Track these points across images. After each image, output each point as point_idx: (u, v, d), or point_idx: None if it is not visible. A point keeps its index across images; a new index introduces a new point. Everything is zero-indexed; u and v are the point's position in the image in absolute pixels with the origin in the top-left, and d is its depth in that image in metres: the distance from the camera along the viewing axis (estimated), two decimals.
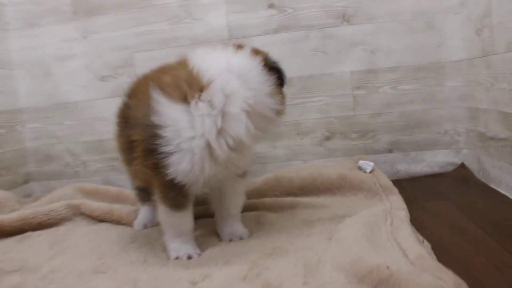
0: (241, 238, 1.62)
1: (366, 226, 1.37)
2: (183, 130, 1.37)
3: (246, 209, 1.87)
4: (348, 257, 1.16)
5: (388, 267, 1.04)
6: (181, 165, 1.38)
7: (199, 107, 1.35)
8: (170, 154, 1.38)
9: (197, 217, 1.85)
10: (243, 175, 1.62)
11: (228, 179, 1.59)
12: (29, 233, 1.96)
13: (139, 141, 1.46)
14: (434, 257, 1.24)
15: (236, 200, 1.66)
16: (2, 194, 2.20)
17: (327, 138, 2.41)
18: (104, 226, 1.97)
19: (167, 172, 1.40)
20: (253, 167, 2.43)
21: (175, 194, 1.44)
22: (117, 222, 1.98)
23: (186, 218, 1.52)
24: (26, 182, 2.68)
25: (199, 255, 1.53)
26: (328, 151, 2.42)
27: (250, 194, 2.05)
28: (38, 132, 2.67)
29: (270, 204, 1.89)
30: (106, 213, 2.02)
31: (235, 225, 1.66)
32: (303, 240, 1.48)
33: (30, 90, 2.65)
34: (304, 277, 1.18)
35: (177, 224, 1.53)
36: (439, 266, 1.08)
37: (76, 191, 2.36)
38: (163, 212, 1.51)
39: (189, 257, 1.51)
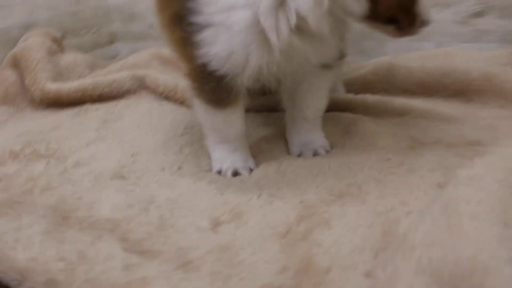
0: (315, 154, 1.15)
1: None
2: None
3: (338, 107, 1.37)
4: (460, 247, 0.63)
5: None
6: (215, 47, 0.92)
7: None
8: (201, 27, 0.92)
9: (263, 109, 1.43)
10: (327, 66, 1.08)
11: (302, 72, 1.07)
12: (87, 106, 1.72)
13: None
14: None
15: (315, 101, 1.16)
16: (71, 58, 1.95)
17: (478, 14, 1.66)
18: (164, 106, 1.63)
19: (197, 53, 0.94)
20: (366, 43, 1.83)
21: (212, 86, 1.00)
22: (181, 102, 1.61)
23: (233, 119, 1.09)
24: (111, 42, 2.42)
25: (251, 170, 1.11)
26: (476, 33, 1.69)
27: (350, 85, 1.52)
28: None
29: (373, 105, 1.35)
30: (170, 90, 1.67)
31: (310, 133, 1.18)
32: (398, 179, 0.96)
33: None
34: (367, 263, 0.70)
35: (220, 126, 1.11)
36: None
37: (153, 58, 2.02)
38: (200, 109, 1.09)
39: (235, 173, 1.11)
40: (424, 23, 0.89)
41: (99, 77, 1.79)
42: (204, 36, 0.93)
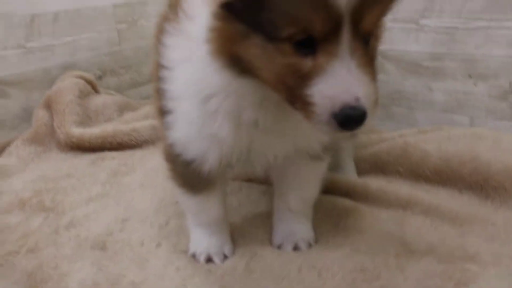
0: (295, 248, 1.09)
1: None
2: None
3: (338, 190, 1.29)
4: None
5: None
6: (175, 132, 0.92)
7: None
8: (166, 110, 0.92)
9: (258, 181, 1.38)
10: (317, 156, 1.00)
11: (290, 160, 1.01)
12: (106, 153, 1.77)
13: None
14: None
15: (301, 192, 1.09)
16: (101, 101, 2.01)
17: None
18: None
19: (166, 134, 0.94)
20: (395, 109, 1.73)
21: (181, 170, 0.99)
22: None
23: (207, 204, 1.06)
24: (149, 81, 2.46)
25: (225, 258, 1.08)
26: None
27: (362, 162, 1.44)
28: None
29: (375, 193, 1.26)
30: None
31: (294, 223, 1.11)
32: None
33: None
34: None
35: (195, 210, 1.09)
36: None
37: None
38: (177, 191, 1.06)
39: (209, 259, 1.07)
40: (338, 117, 0.68)
41: (120, 125, 1.83)
42: (168, 119, 0.92)
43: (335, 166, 1.36)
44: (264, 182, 1.39)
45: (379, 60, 1.71)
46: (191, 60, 0.83)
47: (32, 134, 1.87)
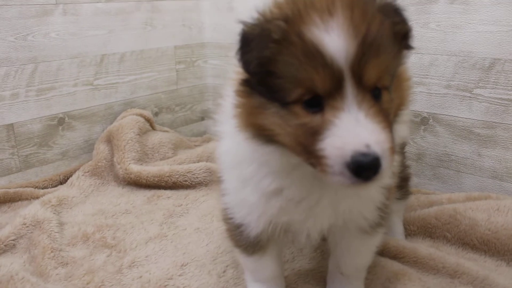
0: None
1: None
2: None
3: (388, 253, 1.34)
4: None
5: None
6: (227, 197, 1.02)
7: None
8: (221, 178, 1.04)
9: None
10: (367, 230, 1.05)
11: (340, 232, 1.08)
12: (161, 192, 1.87)
13: None
14: None
15: (353, 260, 1.14)
16: (158, 139, 2.13)
17: None
18: None
19: (221, 199, 1.05)
20: (442, 171, 1.77)
21: (235, 232, 1.06)
22: None
23: (262, 264, 1.12)
24: (202, 119, 2.59)
25: None
26: None
27: (410, 224, 1.50)
28: (219, 69, 2.48)
29: (424, 259, 1.30)
30: None
31: (345, 286, 1.17)
32: None
33: (214, 24, 2.43)
34: None
35: (251, 268, 1.15)
36: None
37: None
38: (234, 250, 1.15)
39: None
40: (351, 165, 0.69)
41: (176, 166, 1.92)
42: (222, 186, 1.02)
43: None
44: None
45: (430, 123, 1.76)
46: (230, 134, 0.93)
47: (93, 166, 1.99)
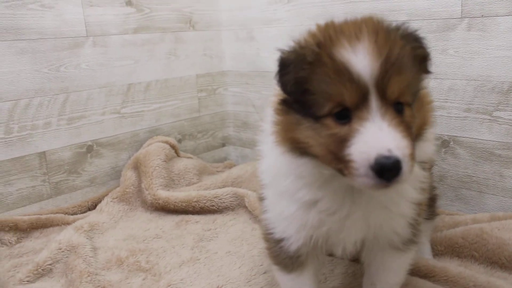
0: None
1: None
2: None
3: (419, 272, 1.37)
4: None
5: None
6: (268, 213, 1.09)
7: None
8: (262, 197, 1.12)
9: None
10: (399, 247, 1.09)
11: (374, 248, 1.12)
12: (189, 217, 1.92)
13: None
14: None
15: (387, 277, 1.17)
16: (183, 165, 2.18)
17: None
18: (256, 231, 1.74)
19: (263, 217, 1.12)
20: (465, 192, 1.81)
21: (275, 249, 1.11)
22: None
23: (301, 282, 1.15)
24: (223, 145, 2.65)
25: None
26: None
27: (437, 244, 1.52)
28: (239, 97, 2.55)
29: (454, 277, 1.33)
30: None
31: None
32: None
33: (235, 53, 2.51)
34: None
35: (289, 286, 1.19)
36: None
37: (255, 175, 2.17)
38: (273, 269, 1.19)
39: None
40: (374, 167, 0.77)
41: (203, 191, 1.97)
42: (263, 203, 1.10)
43: None
44: (346, 258, 1.49)
45: (451, 145, 1.81)
46: (269, 152, 1.02)
47: (121, 193, 2.05)
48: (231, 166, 2.46)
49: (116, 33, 2.10)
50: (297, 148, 0.91)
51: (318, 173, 0.93)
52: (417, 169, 1.01)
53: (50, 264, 1.56)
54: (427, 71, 0.95)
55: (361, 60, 0.82)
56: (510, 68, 1.63)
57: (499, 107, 1.68)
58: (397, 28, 0.91)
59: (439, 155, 1.85)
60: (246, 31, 2.43)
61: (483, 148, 1.74)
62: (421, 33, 0.94)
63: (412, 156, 0.82)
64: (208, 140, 2.57)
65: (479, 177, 1.78)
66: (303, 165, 0.93)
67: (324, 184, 0.95)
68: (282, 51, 0.93)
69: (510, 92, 1.64)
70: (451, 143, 1.82)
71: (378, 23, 0.90)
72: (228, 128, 2.66)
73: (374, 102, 0.82)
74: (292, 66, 0.88)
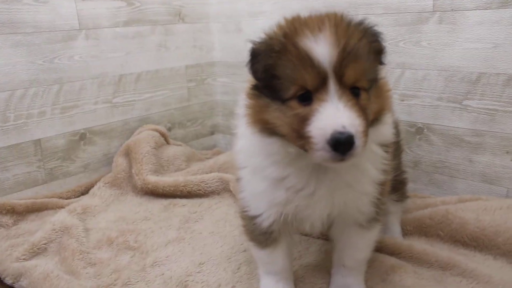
0: None
1: None
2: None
3: (386, 249, 1.48)
4: None
5: None
6: (242, 192, 1.20)
7: None
8: (239, 176, 1.21)
9: (319, 236, 1.59)
10: (363, 225, 1.20)
11: (340, 225, 1.23)
12: (177, 200, 2.02)
13: None
14: None
15: (354, 253, 1.27)
16: (172, 152, 2.28)
17: None
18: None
19: (239, 196, 1.23)
20: (437, 176, 1.92)
21: (250, 226, 1.22)
22: None
23: (274, 257, 1.26)
24: (212, 133, 2.75)
25: None
26: None
27: (407, 224, 1.63)
28: (227, 87, 2.65)
29: (419, 254, 1.43)
30: None
31: (347, 277, 1.30)
32: None
33: (223, 45, 2.61)
34: None
35: (264, 261, 1.29)
36: None
37: None
38: (248, 244, 1.30)
39: None
40: (330, 141, 0.87)
41: (190, 176, 2.08)
42: (239, 183, 1.19)
43: (383, 228, 1.55)
44: (321, 237, 1.59)
45: (425, 132, 1.92)
46: (243, 134, 1.13)
47: (112, 178, 2.15)
48: (219, 153, 2.56)
49: (108, 26, 2.19)
50: (267, 128, 1.02)
51: (285, 152, 1.04)
52: (379, 151, 1.12)
53: (45, 244, 1.66)
54: (382, 63, 1.05)
55: (321, 48, 0.92)
56: (478, 60, 1.73)
57: (468, 96, 1.78)
58: (358, 23, 1.01)
59: (414, 141, 1.95)
60: (234, 23, 2.52)
61: (454, 135, 1.84)
62: (379, 29, 1.04)
63: (365, 133, 0.93)
64: (197, 129, 2.67)
65: (450, 163, 1.88)
66: (272, 144, 1.04)
67: (291, 162, 1.06)
68: (254, 42, 1.03)
69: (478, 82, 1.74)
70: (425, 130, 1.92)
71: (340, 18, 1.00)
72: (217, 116, 2.76)
73: (332, 85, 0.92)
74: (262, 55, 0.99)
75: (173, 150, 2.29)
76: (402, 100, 1.95)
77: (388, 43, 1.92)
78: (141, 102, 2.38)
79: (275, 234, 1.21)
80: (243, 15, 2.47)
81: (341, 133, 0.87)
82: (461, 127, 1.82)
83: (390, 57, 1.88)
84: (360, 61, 0.95)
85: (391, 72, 1.93)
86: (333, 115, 0.90)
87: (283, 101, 0.96)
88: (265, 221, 1.17)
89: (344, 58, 0.92)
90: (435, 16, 1.80)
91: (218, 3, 2.58)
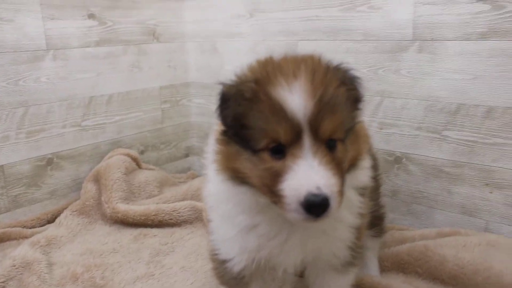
0: None
1: None
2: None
3: (361, 286, 1.42)
4: None
5: None
6: (212, 235, 1.14)
7: None
8: (209, 218, 1.16)
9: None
10: (339, 269, 1.14)
11: (315, 268, 1.17)
12: (147, 230, 1.94)
13: None
14: None
15: None
16: (144, 177, 2.20)
17: None
18: None
19: (210, 238, 1.17)
20: (416, 207, 1.88)
21: (223, 270, 1.15)
22: None
23: None
24: (186, 156, 2.67)
25: None
26: None
27: (384, 260, 1.58)
28: (203, 108, 2.58)
29: None
30: None
31: None
32: None
33: (199, 65, 2.54)
34: None
35: None
36: None
37: None
38: None
39: None
40: (304, 204, 0.81)
41: (162, 205, 1.99)
42: (210, 225, 1.14)
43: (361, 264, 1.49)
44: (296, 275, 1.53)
45: (403, 162, 1.87)
46: (212, 178, 1.05)
47: (80, 205, 2.05)
48: (194, 177, 2.48)
49: (78, 46, 2.10)
50: (237, 177, 0.95)
51: (256, 201, 0.97)
52: (354, 196, 1.06)
53: (3, 282, 1.55)
54: (359, 109, 0.99)
55: (296, 99, 0.85)
56: (457, 90, 1.70)
57: (448, 127, 1.74)
58: (335, 68, 0.95)
59: (392, 171, 1.91)
60: (210, 43, 2.45)
61: (433, 165, 1.80)
62: (357, 75, 0.98)
63: (341, 193, 0.87)
64: (171, 151, 2.59)
65: (429, 193, 1.84)
66: (242, 193, 0.97)
67: (262, 211, 0.99)
68: (224, 85, 0.96)
69: (458, 113, 1.71)
70: (404, 159, 1.88)
71: (317, 62, 0.94)
72: (192, 138, 2.68)
73: (307, 140, 0.86)
74: (231, 101, 0.92)
75: (145, 176, 2.21)
76: (381, 129, 1.91)
77: (367, 70, 1.88)
78: (112, 125, 2.29)
79: (246, 279, 1.15)
80: (219, 35, 2.40)
81: (315, 195, 0.81)
82: (440, 158, 1.78)
83: (369, 84, 1.85)
84: (337, 113, 0.89)
85: (370, 99, 1.89)
86: (307, 174, 0.84)
87: (254, 151, 0.89)
88: (236, 266, 1.10)
89: (321, 110, 0.86)
90: (414, 44, 1.76)
91: (194, 22, 2.51)
